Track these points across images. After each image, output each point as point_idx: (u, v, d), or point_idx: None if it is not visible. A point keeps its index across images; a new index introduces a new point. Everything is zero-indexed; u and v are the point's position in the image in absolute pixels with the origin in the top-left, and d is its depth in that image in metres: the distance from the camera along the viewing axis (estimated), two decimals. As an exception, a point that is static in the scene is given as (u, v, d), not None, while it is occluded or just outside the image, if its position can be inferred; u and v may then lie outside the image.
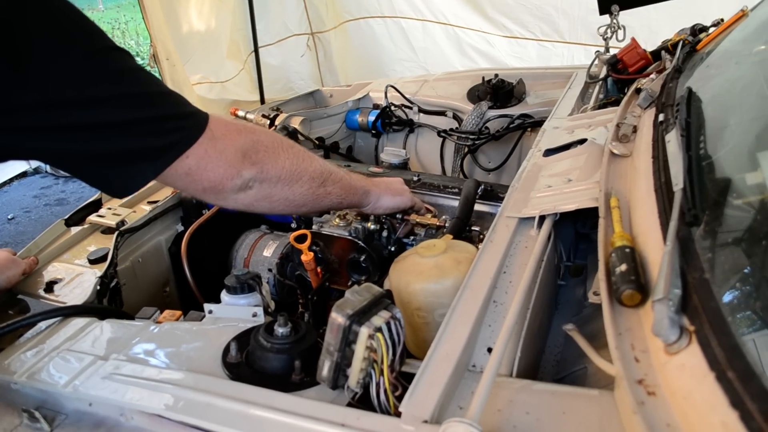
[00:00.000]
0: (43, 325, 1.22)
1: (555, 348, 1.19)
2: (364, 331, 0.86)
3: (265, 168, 1.16)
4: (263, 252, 1.78)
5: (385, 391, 0.87)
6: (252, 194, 1.17)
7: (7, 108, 0.85)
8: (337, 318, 0.87)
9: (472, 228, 1.58)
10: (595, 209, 1.13)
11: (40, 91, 0.86)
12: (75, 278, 1.55)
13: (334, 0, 5.23)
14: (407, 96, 2.58)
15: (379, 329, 0.86)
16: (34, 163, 6.15)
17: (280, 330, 1.03)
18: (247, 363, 1.03)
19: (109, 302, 1.51)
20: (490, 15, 4.64)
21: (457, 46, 4.90)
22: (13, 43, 0.82)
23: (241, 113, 2.61)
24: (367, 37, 5.30)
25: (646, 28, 2.27)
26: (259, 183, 1.17)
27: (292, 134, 2.37)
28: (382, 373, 0.87)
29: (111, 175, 1.02)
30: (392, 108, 2.55)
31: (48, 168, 6.12)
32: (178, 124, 1.04)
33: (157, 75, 3.44)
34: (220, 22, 4.39)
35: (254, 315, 1.20)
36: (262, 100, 4.30)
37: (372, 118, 2.55)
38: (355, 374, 0.88)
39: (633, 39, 1.96)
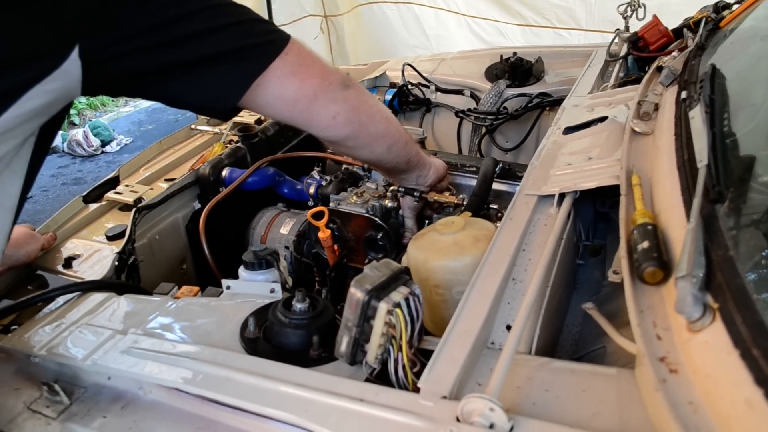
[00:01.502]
0: (61, 300, 1.23)
1: (573, 327, 1.18)
2: (382, 307, 0.85)
3: (346, 73, 1.24)
4: (280, 229, 1.78)
5: (404, 367, 0.87)
6: (354, 94, 1.23)
7: (122, 36, 0.94)
8: (356, 293, 0.87)
9: (491, 206, 1.57)
10: (615, 188, 1.12)
11: (144, 17, 0.95)
12: (93, 254, 1.56)
13: (348, -17, 5.20)
14: (424, 74, 2.55)
15: (398, 305, 0.86)
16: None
17: (298, 305, 1.03)
18: (265, 338, 1.03)
19: (126, 278, 1.52)
20: (506, 2, 4.58)
21: (470, 35, 4.86)
22: None
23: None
24: (380, 22, 5.25)
25: (666, 10, 2.24)
26: (351, 82, 1.23)
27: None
28: (400, 348, 0.87)
29: (217, 78, 1.08)
30: (409, 87, 2.53)
31: (65, 147, 6.16)
32: (269, 27, 1.13)
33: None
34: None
35: (272, 291, 1.20)
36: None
37: (389, 96, 2.52)
38: (373, 350, 0.88)
39: (654, 16, 1.93)
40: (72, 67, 0.90)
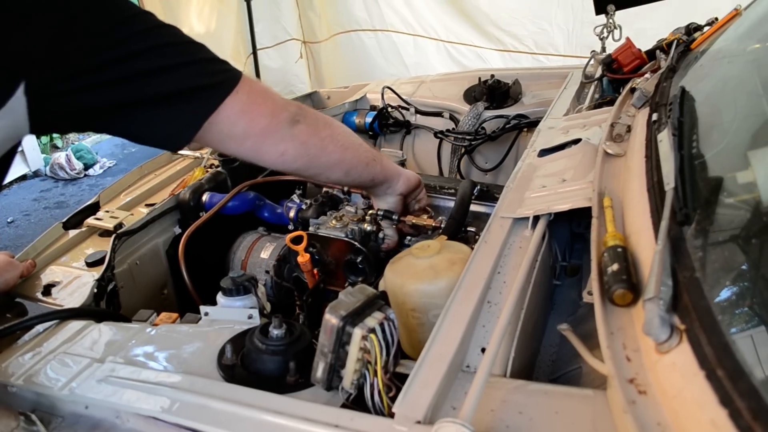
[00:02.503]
0: (40, 328, 1.23)
1: (551, 348, 1.19)
2: (357, 332, 0.86)
3: (300, 106, 1.26)
4: (260, 254, 1.79)
5: (379, 392, 0.87)
6: (303, 129, 1.24)
7: (70, 73, 0.92)
8: (331, 319, 0.88)
9: (468, 228, 1.58)
10: (590, 209, 1.13)
11: (93, 54, 0.94)
12: (72, 281, 1.55)
13: (326, 11, 5.20)
14: (404, 97, 2.58)
15: (372, 330, 0.86)
16: (34, 166, 6.15)
17: (275, 332, 1.03)
18: (243, 365, 1.04)
19: (106, 305, 1.51)
20: (484, 28, 4.61)
21: (448, 61, 4.88)
22: (65, 20, 0.90)
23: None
24: (358, 50, 5.27)
25: (642, 35, 2.27)
26: (303, 117, 1.24)
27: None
28: (375, 374, 0.87)
29: (168, 119, 1.07)
30: (389, 109, 2.55)
31: (48, 170, 6.13)
32: (221, 66, 1.12)
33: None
34: (221, 24, 4.39)
35: (250, 317, 1.20)
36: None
37: (369, 119, 2.54)
38: (349, 375, 0.88)
39: (628, 39, 1.96)
40: (17, 104, 0.88)
